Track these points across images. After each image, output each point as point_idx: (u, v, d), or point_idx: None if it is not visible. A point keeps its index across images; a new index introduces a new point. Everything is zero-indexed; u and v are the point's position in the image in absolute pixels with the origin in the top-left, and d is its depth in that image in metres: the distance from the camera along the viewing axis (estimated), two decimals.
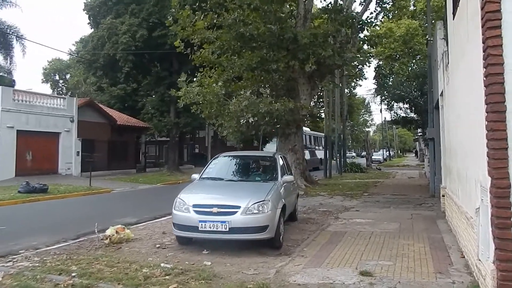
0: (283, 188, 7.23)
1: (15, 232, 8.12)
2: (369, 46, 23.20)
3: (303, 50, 14.37)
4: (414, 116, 23.91)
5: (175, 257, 6.00)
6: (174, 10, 15.13)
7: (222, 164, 8.15)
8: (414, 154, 72.47)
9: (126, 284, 4.67)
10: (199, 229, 5.99)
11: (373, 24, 17.85)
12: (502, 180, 3.54)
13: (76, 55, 38.93)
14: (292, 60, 14.75)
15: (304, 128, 24.36)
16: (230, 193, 6.65)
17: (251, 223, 6.00)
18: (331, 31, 15.34)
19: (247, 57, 14.50)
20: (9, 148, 19.60)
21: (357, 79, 43.16)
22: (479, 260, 4.27)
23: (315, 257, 5.90)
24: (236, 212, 6.00)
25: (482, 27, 3.88)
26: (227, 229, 5.91)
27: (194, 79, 15.62)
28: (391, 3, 23.54)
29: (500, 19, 3.66)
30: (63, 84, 61.04)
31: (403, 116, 25.58)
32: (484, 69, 3.85)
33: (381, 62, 35.13)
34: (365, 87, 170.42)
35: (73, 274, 5.04)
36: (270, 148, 25.42)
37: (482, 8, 3.87)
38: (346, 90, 39.34)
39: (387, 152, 67.10)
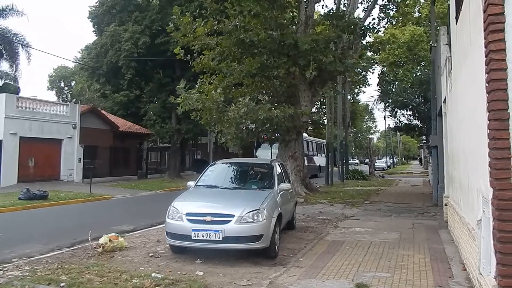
0: (279, 196, 7.06)
1: (11, 239, 8.00)
2: (372, 53, 23.05)
3: (304, 56, 14.26)
4: (418, 123, 23.73)
5: (168, 266, 5.83)
6: (175, 17, 15.08)
7: (218, 172, 8.00)
8: (418, 162, 72.00)
9: None
10: (192, 238, 5.83)
11: (375, 30, 17.69)
12: (505, 192, 3.35)
13: (80, 62, 39.16)
14: (293, 66, 14.65)
15: None
16: (225, 201, 6.49)
17: (245, 232, 5.82)
18: (332, 37, 15.23)
19: (247, 63, 14.41)
20: (12, 154, 19.62)
21: (361, 85, 43.06)
22: (481, 274, 4.08)
23: (311, 268, 5.71)
24: (230, 221, 5.84)
25: (484, 30, 3.72)
26: (221, 238, 5.75)
27: (196, 85, 15.53)
28: (395, 10, 23.42)
29: (503, 22, 3.49)
30: (68, 91, 61.39)
31: (406, 123, 25.39)
32: (486, 75, 3.68)
33: (385, 69, 35.04)
34: (369, 94, 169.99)
35: (62, 284, 4.93)
36: (263, 154, 24.60)
37: (484, 11, 3.71)
38: (349, 97, 39.20)
39: (391, 159, 66.63)
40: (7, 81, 27.18)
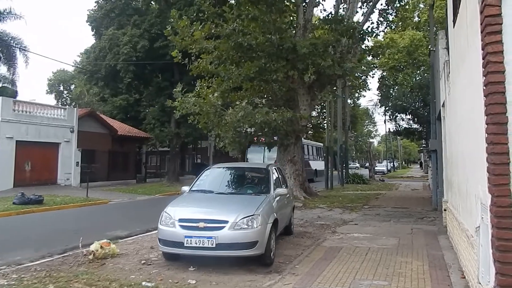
0: (275, 201, 6.93)
1: (2, 245, 7.83)
2: (371, 57, 22.96)
3: (303, 60, 14.16)
4: (417, 127, 23.65)
5: (159, 274, 5.69)
6: (173, 20, 14.99)
7: (213, 176, 7.88)
8: (419, 166, 71.84)
9: None
10: (185, 245, 5.69)
11: (374, 34, 17.60)
12: (504, 198, 3.23)
13: (78, 66, 39.13)
14: (291, 70, 14.55)
15: None
16: (219, 207, 6.36)
17: (239, 238, 5.69)
18: (331, 41, 15.14)
19: (245, 67, 14.30)
20: (8, 158, 19.47)
21: (361, 90, 43.00)
22: (480, 283, 3.94)
23: (307, 275, 5.57)
24: (224, 227, 5.70)
25: (482, 32, 3.61)
26: (214, 245, 5.61)
27: (195, 89, 15.42)
28: (394, 14, 23.37)
29: (501, 24, 3.38)
30: (67, 95, 61.35)
31: (405, 127, 25.31)
32: (484, 78, 3.57)
33: (385, 73, 35.00)
34: (369, 98, 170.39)
35: None
36: (254, 157, 24.10)
37: (481, 12, 3.60)
38: (349, 101, 39.12)
39: (391, 163, 66.45)
40: (5, 85, 27.11)
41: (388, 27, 24.22)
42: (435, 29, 17.72)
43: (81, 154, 23.16)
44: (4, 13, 24.04)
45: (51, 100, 59.39)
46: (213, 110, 14.00)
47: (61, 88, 62.56)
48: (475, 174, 4.40)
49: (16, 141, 19.94)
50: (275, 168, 8.31)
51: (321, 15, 21.36)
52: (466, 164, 5.41)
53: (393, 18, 23.80)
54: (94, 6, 28.90)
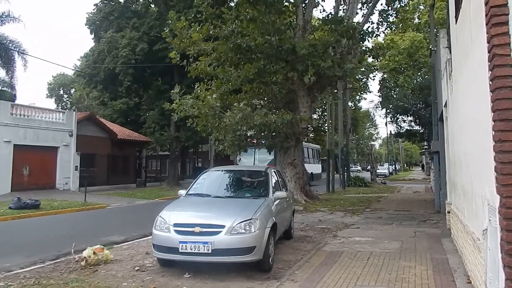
0: (274, 204, 6.72)
1: None
2: (372, 58, 22.80)
3: (302, 61, 13.97)
4: (419, 128, 23.43)
5: (153, 281, 5.49)
6: (171, 22, 14.83)
7: (211, 180, 7.67)
8: (420, 168, 71.52)
9: None
10: (180, 250, 5.47)
11: (374, 35, 17.42)
12: None
13: (77, 69, 39.03)
14: (291, 71, 14.38)
15: None
16: (216, 211, 6.14)
17: (236, 244, 5.47)
18: (331, 41, 14.96)
19: (244, 69, 14.12)
20: (5, 162, 19.31)
21: (361, 92, 42.81)
22: None
23: (306, 282, 5.36)
24: (220, 232, 5.49)
25: (487, 24, 3.42)
26: (210, 251, 5.39)
27: (194, 91, 15.23)
28: (394, 16, 23.22)
29: (507, 14, 3.19)
30: (67, 98, 61.32)
31: (407, 129, 25.09)
32: (490, 72, 3.36)
33: (385, 75, 34.85)
34: (370, 100, 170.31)
35: None
36: (246, 160, 23.64)
37: (486, 3, 3.41)
38: (350, 104, 38.88)
39: (393, 165, 66.12)
40: (3, 88, 27.01)
41: (388, 28, 24.08)
42: (435, 29, 17.54)
43: (80, 158, 22.96)
44: (3, 16, 23.96)
45: (51, 104, 59.46)
46: (212, 112, 13.80)
47: (61, 92, 62.56)
48: (481, 174, 4.20)
49: (14, 145, 19.80)
50: (274, 171, 8.10)
51: (321, 16, 21.25)
52: (470, 164, 5.21)
53: (393, 19, 23.67)
54: (93, 9, 28.80)
